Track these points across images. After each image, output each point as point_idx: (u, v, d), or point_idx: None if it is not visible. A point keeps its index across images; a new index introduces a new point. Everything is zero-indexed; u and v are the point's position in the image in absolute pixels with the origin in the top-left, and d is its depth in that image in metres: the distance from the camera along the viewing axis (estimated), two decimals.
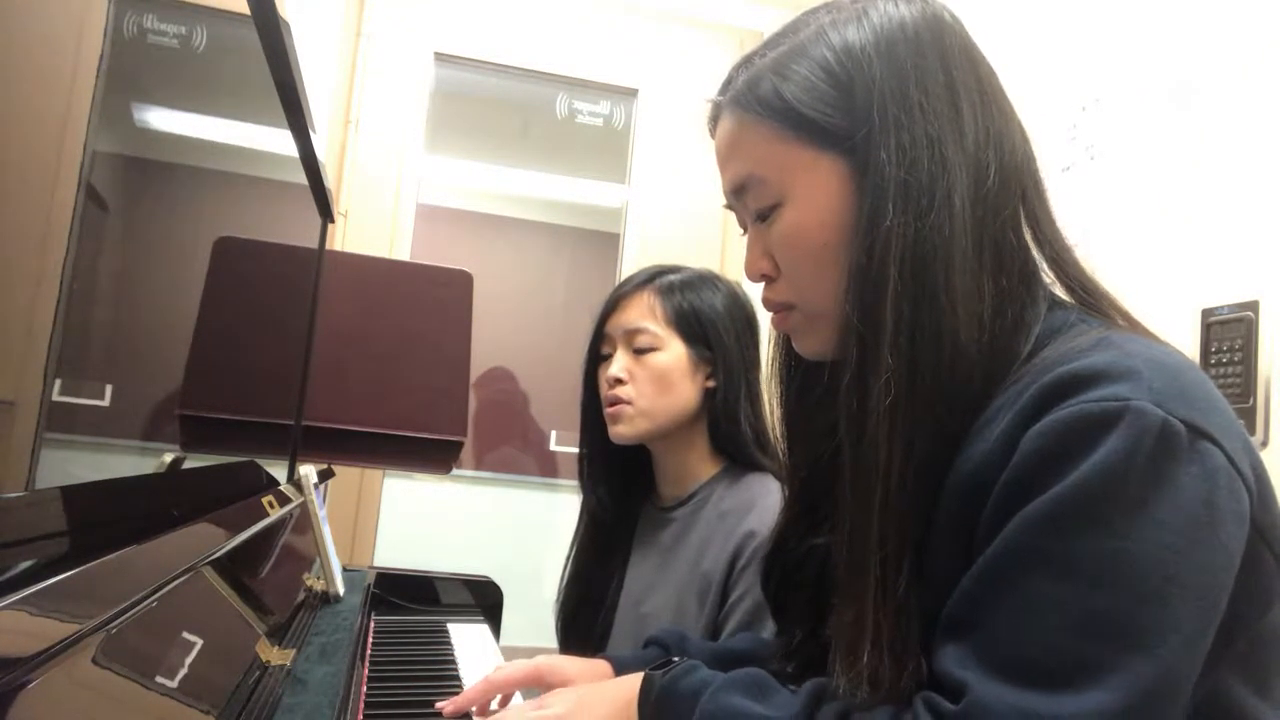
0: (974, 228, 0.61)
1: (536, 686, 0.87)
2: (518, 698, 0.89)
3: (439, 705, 0.85)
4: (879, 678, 0.57)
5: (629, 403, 1.18)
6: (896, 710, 0.56)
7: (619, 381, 1.19)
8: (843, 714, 0.59)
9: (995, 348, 0.60)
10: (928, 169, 0.60)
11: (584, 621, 1.28)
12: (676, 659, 0.74)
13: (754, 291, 1.29)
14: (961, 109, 0.63)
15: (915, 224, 0.60)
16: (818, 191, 0.64)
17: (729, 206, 0.73)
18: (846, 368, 0.61)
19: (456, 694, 0.86)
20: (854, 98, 0.63)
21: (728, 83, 0.70)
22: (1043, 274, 0.65)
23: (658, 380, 1.18)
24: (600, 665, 0.90)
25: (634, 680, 0.74)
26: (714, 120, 0.71)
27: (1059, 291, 0.66)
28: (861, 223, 0.61)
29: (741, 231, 0.73)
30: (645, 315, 1.20)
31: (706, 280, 1.24)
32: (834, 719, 0.59)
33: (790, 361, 0.77)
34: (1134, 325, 0.63)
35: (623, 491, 1.29)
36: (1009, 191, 0.63)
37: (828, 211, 0.64)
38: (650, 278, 1.24)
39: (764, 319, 1.24)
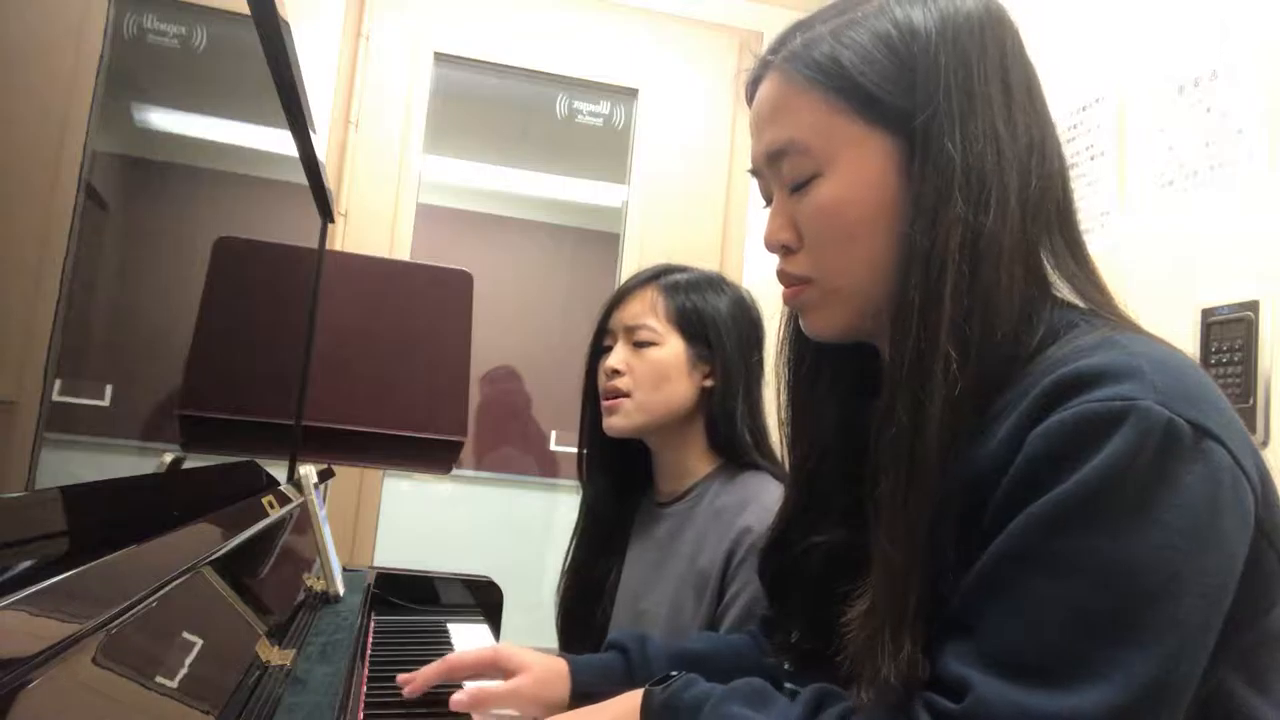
0: (1019, 230, 0.61)
1: (493, 671, 0.88)
2: None
3: (401, 679, 0.87)
4: (914, 670, 0.55)
5: (625, 394, 1.19)
6: (894, 712, 0.55)
7: (616, 373, 1.20)
8: (844, 715, 0.59)
9: (1013, 348, 0.60)
10: (990, 162, 0.60)
11: (583, 617, 1.28)
12: (675, 674, 0.74)
13: (760, 296, 1.30)
14: (1014, 109, 0.63)
15: (978, 216, 0.59)
16: (863, 167, 0.63)
17: (754, 172, 0.70)
18: (902, 355, 0.60)
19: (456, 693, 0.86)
20: (914, 78, 0.62)
21: (780, 43, 0.67)
22: (1054, 280, 0.65)
23: (654, 374, 1.19)
24: (557, 661, 0.91)
25: (633, 697, 0.74)
26: (755, 81, 0.69)
27: (1065, 293, 0.65)
28: (924, 207, 0.60)
29: (765, 203, 0.70)
30: (647, 311, 1.21)
31: (713, 282, 1.24)
32: None
33: (799, 348, 0.76)
34: (1137, 329, 0.63)
35: (622, 485, 1.29)
36: (1047, 200, 0.63)
37: (869, 188, 0.63)
38: (656, 274, 1.25)
39: (768, 319, 1.25)
